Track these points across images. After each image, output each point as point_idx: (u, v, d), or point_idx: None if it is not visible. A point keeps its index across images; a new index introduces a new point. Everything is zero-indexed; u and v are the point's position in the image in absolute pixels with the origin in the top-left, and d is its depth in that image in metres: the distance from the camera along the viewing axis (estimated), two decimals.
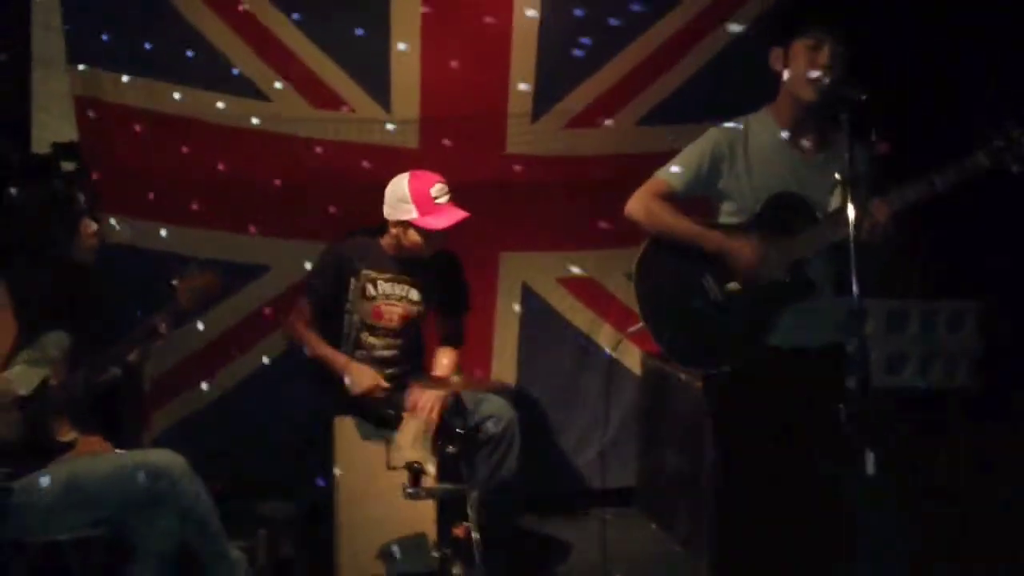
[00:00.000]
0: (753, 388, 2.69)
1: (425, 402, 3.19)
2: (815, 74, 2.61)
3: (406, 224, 3.28)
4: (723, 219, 2.78)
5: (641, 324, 2.81)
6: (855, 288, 2.27)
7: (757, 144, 2.74)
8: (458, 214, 3.28)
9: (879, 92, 2.40)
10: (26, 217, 2.84)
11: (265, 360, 3.80)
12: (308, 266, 3.50)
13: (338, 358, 3.33)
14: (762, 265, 2.65)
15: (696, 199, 2.80)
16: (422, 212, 3.25)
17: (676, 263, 2.75)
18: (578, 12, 3.80)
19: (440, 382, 3.22)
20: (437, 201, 3.26)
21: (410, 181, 3.29)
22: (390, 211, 3.32)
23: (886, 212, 2.52)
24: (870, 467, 2.13)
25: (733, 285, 2.68)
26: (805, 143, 2.72)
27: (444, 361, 3.47)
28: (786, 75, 2.70)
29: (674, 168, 2.79)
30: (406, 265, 3.39)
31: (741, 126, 2.78)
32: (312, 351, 3.36)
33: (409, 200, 3.26)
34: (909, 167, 2.57)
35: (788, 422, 2.67)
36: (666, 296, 2.76)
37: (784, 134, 2.73)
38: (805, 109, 2.68)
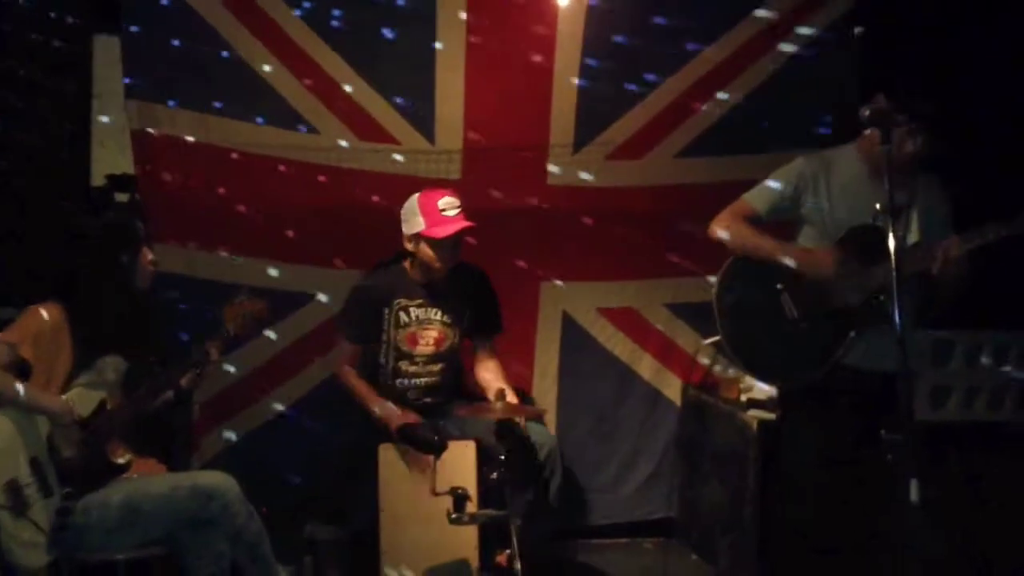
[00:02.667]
0: (814, 408, 2.74)
1: None
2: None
3: (418, 237, 3.35)
4: (802, 243, 2.90)
5: (717, 337, 2.96)
6: (896, 318, 2.30)
7: (840, 176, 2.85)
8: (463, 223, 3.33)
9: (958, 135, 2.44)
10: (90, 246, 2.92)
11: (309, 388, 3.85)
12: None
13: (372, 400, 3.35)
14: (837, 271, 2.69)
15: (777, 225, 2.94)
16: (429, 223, 3.32)
17: (755, 282, 2.87)
18: (619, 47, 3.85)
19: (481, 410, 3.24)
20: (444, 213, 3.33)
21: (420, 196, 3.38)
22: (404, 227, 3.39)
23: (959, 250, 2.57)
24: (914, 495, 2.13)
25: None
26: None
27: (492, 376, 3.48)
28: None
29: (759, 192, 2.94)
30: (435, 289, 3.45)
31: (827, 157, 2.88)
32: (349, 387, 3.42)
33: (418, 213, 3.34)
34: (987, 206, 2.61)
35: (840, 448, 2.69)
36: (745, 313, 2.89)
37: (866, 169, 2.82)
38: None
